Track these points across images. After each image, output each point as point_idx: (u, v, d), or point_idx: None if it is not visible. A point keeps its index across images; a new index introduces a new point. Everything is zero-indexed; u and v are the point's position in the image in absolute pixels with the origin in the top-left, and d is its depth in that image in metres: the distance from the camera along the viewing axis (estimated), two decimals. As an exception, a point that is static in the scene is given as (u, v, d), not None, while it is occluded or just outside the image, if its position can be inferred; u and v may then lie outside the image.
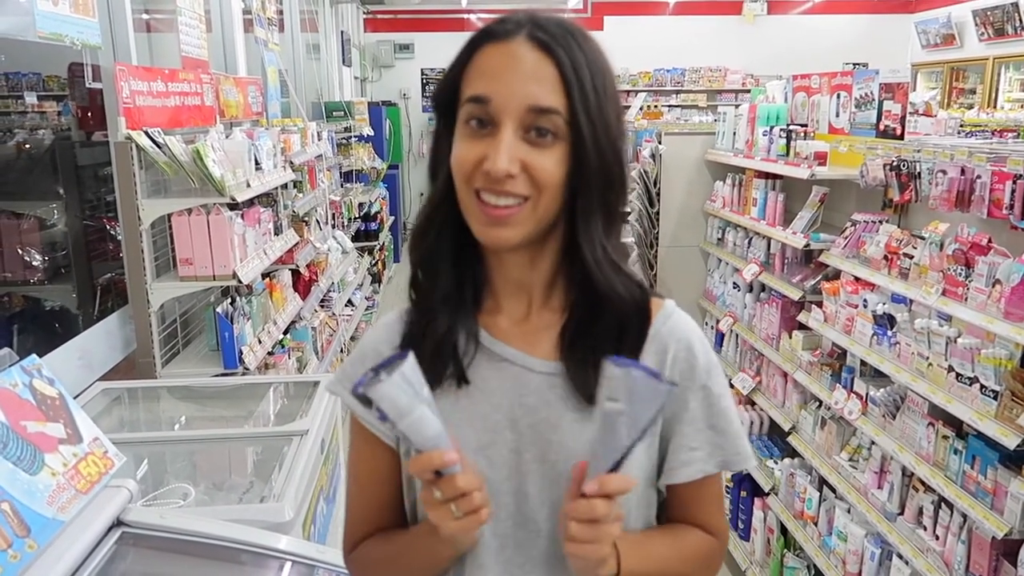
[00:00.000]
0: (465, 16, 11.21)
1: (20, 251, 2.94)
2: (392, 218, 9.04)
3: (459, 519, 0.86)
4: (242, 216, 2.97)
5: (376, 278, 7.43)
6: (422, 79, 11.63)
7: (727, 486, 3.89)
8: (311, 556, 1.47)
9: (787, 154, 3.38)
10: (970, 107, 9.09)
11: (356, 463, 1.08)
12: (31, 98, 3.03)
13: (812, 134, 3.40)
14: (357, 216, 6.83)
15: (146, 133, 2.65)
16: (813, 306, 3.08)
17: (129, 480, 1.38)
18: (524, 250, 0.96)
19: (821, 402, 3.07)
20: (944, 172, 2.42)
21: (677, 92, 11.78)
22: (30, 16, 2.16)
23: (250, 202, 3.20)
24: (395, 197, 9.63)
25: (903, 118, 2.95)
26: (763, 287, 3.72)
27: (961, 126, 5.35)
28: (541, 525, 0.97)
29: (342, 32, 9.02)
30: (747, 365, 3.88)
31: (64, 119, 3.22)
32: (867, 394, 2.69)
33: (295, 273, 3.97)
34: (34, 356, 1.32)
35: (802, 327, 3.22)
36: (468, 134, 0.91)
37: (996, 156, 2.27)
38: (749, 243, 3.87)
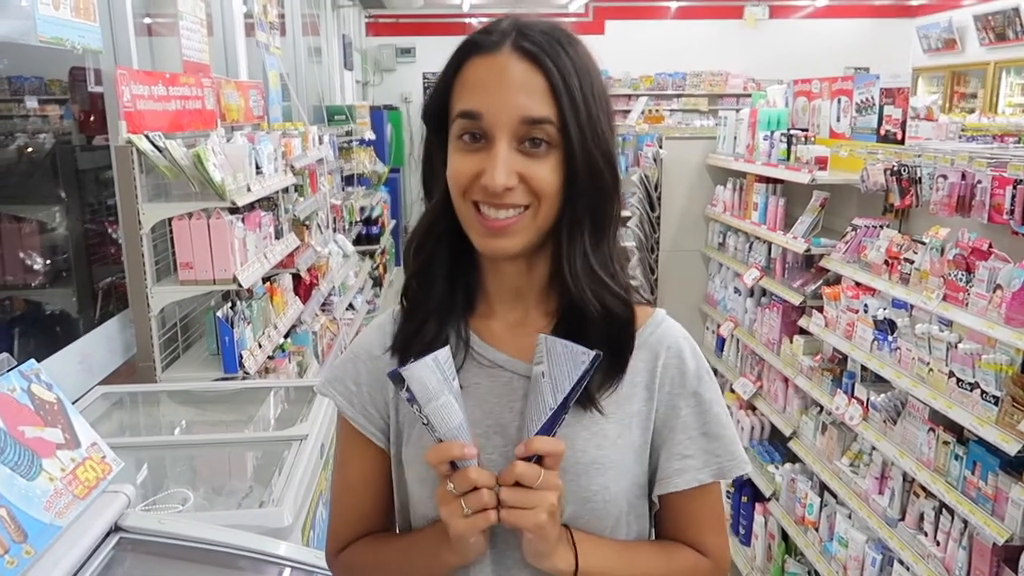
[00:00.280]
0: (467, 20, 11.22)
1: (21, 255, 2.94)
2: (393, 222, 9.04)
3: (468, 516, 0.86)
4: (243, 220, 2.97)
5: (377, 282, 7.43)
6: (424, 83, 11.63)
7: (727, 491, 3.89)
8: (310, 562, 1.47)
9: (788, 159, 3.38)
10: (971, 111, 9.08)
11: (345, 464, 1.07)
12: (32, 102, 3.02)
13: (813, 139, 3.40)
14: (358, 220, 6.83)
15: (147, 137, 2.66)
16: (814, 311, 3.07)
17: (127, 485, 1.37)
18: (521, 258, 0.96)
19: (822, 407, 3.06)
20: (945, 177, 2.42)
21: (678, 96, 11.78)
22: (31, 20, 2.17)
23: (251, 206, 3.20)
24: (396, 201, 9.64)
25: (904, 123, 2.95)
26: (764, 292, 3.72)
27: (963, 131, 5.34)
28: None
29: (344, 36, 9.03)
30: (748, 370, 3.87)
31: (66, 123, 3.22)
32: (868, 399, 2.68)
33: (296, 277, 3.97)
34: (33, 361, 1.32)
35: (803, 332, 3.21)
36: (462, 148, 0.92)
37: (997, 161, 2.27)
38: (750, 248, 3.86)
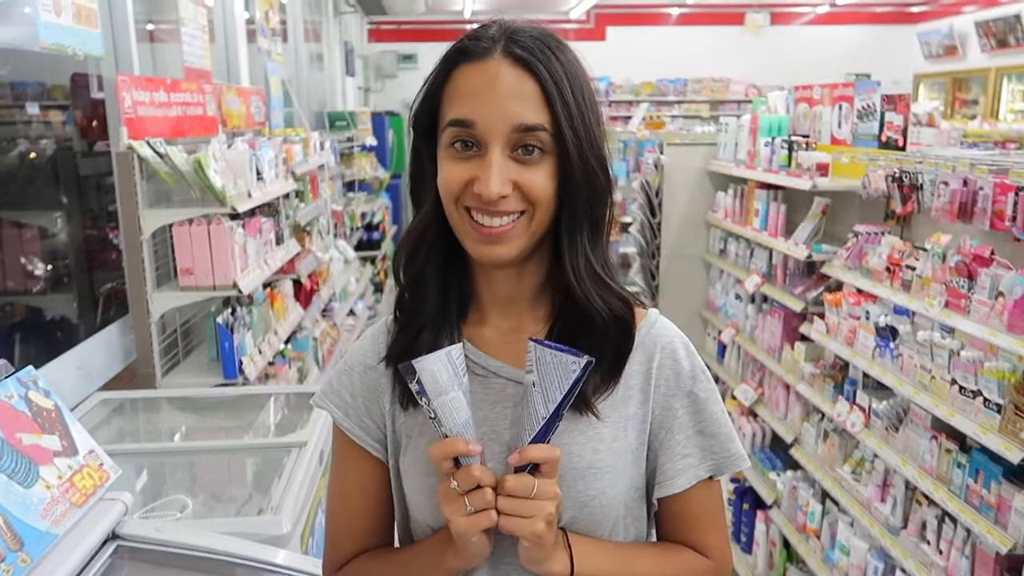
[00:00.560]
0: (468, 27, 11.23)
1: (23, 260, 2.94)
2: (395, 227, 9.05)
3: (470, 515, 0.85)
4: (243, 226, 2.97)
5: (378, 288, 7.43)
6: (425, 89, 11.67)
7: (729, 499, 3.88)
8: (308, 571, 1.46)
9: (789, 165, 3.38)
10: (972, 118, 9.09)
11: (342, 476, 1.06)
12: (33, 108, 3.02)
13: (814, 145, 3.39)
14: (359, 226, 6.84)
15: (148, 143, 2.66)
16: (815, 318, 3.07)
17: (125, 493, 1.37)
18: (513, 264, 0.95)
19: (823, 414, 3.05)
20: (946, 184, 2.41)
21: (679, 102, 11.80)
22: (33, 27, 2.17)
23: (251, 212, 3.20)
24: (398, 207, 9.64)
25: (905, 129, 2.94)
26: (765, 298, 3.71)
27: (964, 137, 5.34)
28: None
29: (346, 42, 9.06)
30: (749, 376, 3.86)
31: (68, 129, 3.22)
32: (870, 407, 2.67)
33: (296, 283, 3.97)
34: (31, 368, 1.32)
35: (804, 339, 3.20)
36: (453, 155, 0.91)
37: (998, 168, 2.26)
38: (751, 254, 3.86)
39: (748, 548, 3.71)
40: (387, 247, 7.98)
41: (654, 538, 1.06)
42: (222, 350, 2.85)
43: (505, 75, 0.88)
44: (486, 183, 0.87)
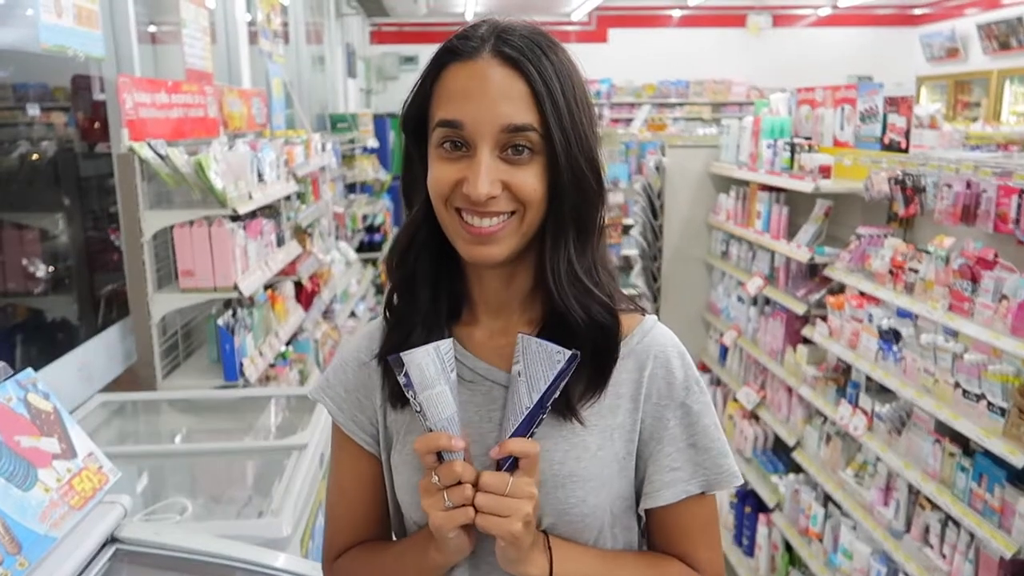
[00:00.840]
0: (469, 28, 11.26)
1: (24, 261, 2.93)
2: (396, 229, 9.03)
3: (448, 510, 0.86)
4: (244, 228, 2.97)
5: (380, 290, 7.42)
6: (427, 91, 11.68)
7: (731, 501, 3.86)
8: (308, 575, 1.45)
9: (791, 167, 3.37)
10: (974, 120, 9.08)
11: (339, 470, 1.07)
12: (34, 110, 3.02)
13: (816, 147, 3.39)
14: (361, 227, 6.84)
15: (149, 145, 2.65)
16: (818, 320, 3.06)
17: (124, 496, 1.36)
18: (503, 265, 0.94)
19: (826, 417, 3.04)
20: (949, 186, 2.41)
21: (681, 104, 11.81)
22: (34, 28, 2.17)
23: (252, 214, 3.20)
24: (399, 209, 9.63)
25: (908, 131, 2.94)
26: (767, 301, 3.70)
27: (966, 139, 5.33)
28: None
29: (347, 44, 9.06)
30: (751, 379, 3.85)
31: (69, 130, 3.22)
32: (872, 410, 2.66)
33: (298, 285, 3.96)
34: (30, 370, 1.31)
35: (807, 341, 3.20)
36: (443, 156, 0.90)
37: (1002, 170, 2.25)
38: (753, 256, 3.85)
39: (750, 551, 3.70)
40: (388, 249, 7.97)
41: (646, 549, 1.05)
42: (223, 352, 2.84)
43: (494, 75, 0.87)
44: (474, 184, 0.86)
